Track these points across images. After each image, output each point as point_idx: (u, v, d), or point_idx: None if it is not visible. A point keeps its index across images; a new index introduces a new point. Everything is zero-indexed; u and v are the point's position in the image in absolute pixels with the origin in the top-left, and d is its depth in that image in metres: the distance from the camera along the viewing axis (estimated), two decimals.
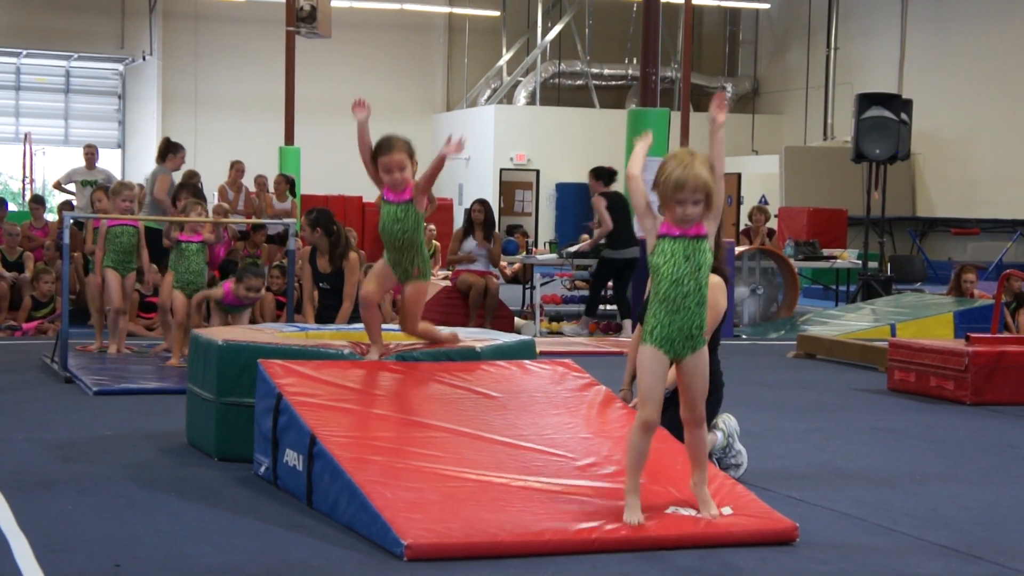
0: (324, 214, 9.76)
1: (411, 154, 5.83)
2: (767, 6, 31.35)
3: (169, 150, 12.68)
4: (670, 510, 4.80)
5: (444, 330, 6.34)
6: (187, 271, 9.86)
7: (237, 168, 16.25)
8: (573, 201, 28.21)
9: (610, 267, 13.24)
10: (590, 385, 5.95)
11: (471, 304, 13.30)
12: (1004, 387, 8.83)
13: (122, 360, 9.94)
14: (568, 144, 28.56)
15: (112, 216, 10.15)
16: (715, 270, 5.99)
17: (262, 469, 5.68)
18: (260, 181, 16.94)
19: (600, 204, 13.02)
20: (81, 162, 16.04)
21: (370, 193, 16.98)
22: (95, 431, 7.00)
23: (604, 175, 13.25)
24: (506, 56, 31.07)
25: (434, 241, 17.95)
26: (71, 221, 9.80)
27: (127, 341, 10.57)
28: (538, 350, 6.80)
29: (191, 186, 12.03)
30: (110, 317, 10.39)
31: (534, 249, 15.52)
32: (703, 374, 4.64)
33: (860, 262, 16.91)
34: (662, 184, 4.49)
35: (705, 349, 4.62)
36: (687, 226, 4.49)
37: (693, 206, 4.46)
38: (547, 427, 5.49)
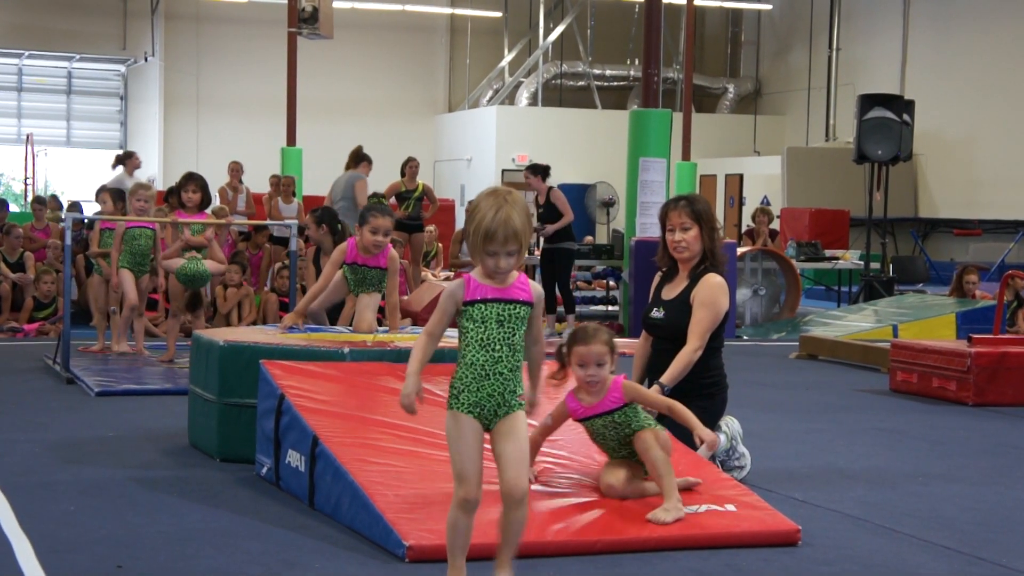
0: (329, 212, 9.81)
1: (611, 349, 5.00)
2: (769, 7, 31.34)
3: (364, 158, 12.80)
4: None
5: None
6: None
7: (233, 169, 16.38)
8: (575, 201, 28.20)
9: (572, 257, 13.59)
10: None
11: None
12: (1006, 388, 8.82)
13: (124, 361, 9.94)
14: (570, 145, 28.54)
15: (129, 218, 10.11)
16: (714, 269, 6.01)
17: (264, 470, 5.68)
18: (274, 181, 17.01)
19: (561, 196, 13.29)
20: (113, 170, 15.77)
21: None
22: (97, 432, 7.00)
23: (542, 171, 13.58)
24: (508, 57, 31.05)
25: (436, 243, 17.95)
26: (72, 222, 9.80)
27: (130, 342, 10.57)
28: None
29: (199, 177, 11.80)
30: (121, 318, 10.37)
31: (536, 249, 15.55)
32: (521, 436, 3.96)
33: (862, 263, 16.92)
34: (472, 232, 3.92)
35: (520, 412, 3.99)
36: (501, 283, 3.92)
37: (507, 257, 3.89)
38: None
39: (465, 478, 3.92)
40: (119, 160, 15.48)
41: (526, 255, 3.94)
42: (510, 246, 3.88)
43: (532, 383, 4.14)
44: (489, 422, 3.95)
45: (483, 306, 3.91)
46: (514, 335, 3.93)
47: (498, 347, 3.90)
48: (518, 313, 3.93)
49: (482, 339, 3.90)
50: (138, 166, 15.55)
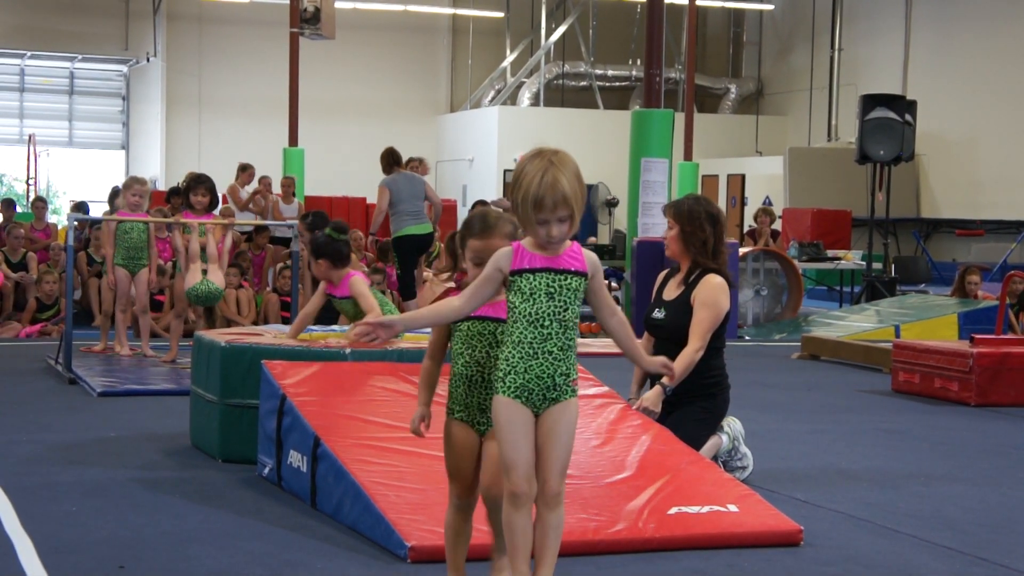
0: (321, 217, 9.81)
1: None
2: (771, 7, 31.34)
3: (400, 160, 13.02)
4: (673, 511, 4.80)
5: None
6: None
7: (249, 172, 16.47)
8: None
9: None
10: (594, 386, 5.94)
11: None
12: (1008, 388, 8.82)
13: (126, 361, 9.95)
14: (572, 145, 27.91)
15: (133, 217, 10.10)
16: (718, 272, 6.02)
17: (266, 470, 5.68)
18: (265, 182, 16.99)
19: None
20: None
21: (373, 194, 16.96)
22: (99, 432, 7.00)
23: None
24: (510, 57, 31.06)
25: (438, 243, 17.94)
26: (75, 223, 9.79)
27: (132, 342, 10.56)
28: None
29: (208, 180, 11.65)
30: (117, 319, 10.37)
31: None
32: (567, 433, 3.68)
33: (864, 263, 16.92)
34: (520, 202, 3.63)
35: (573, 401, 3.70)
36: (553, 253, 3.67)
37: (559, 224, 3.62)
38: None
39: (512, 468, 3.64)
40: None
41: (579, 221, 3.63)
42: (560, 212, 3.61)
43: (636, 358, 3.92)
44: (537, 408, 3.68)
45: (531, 276, 3.65)
46: (566, 310, 3.66)
47: (547, 322, 3.64)
48: (570, 285, 3.66)
49: (530, 314, 3.64)
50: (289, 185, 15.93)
